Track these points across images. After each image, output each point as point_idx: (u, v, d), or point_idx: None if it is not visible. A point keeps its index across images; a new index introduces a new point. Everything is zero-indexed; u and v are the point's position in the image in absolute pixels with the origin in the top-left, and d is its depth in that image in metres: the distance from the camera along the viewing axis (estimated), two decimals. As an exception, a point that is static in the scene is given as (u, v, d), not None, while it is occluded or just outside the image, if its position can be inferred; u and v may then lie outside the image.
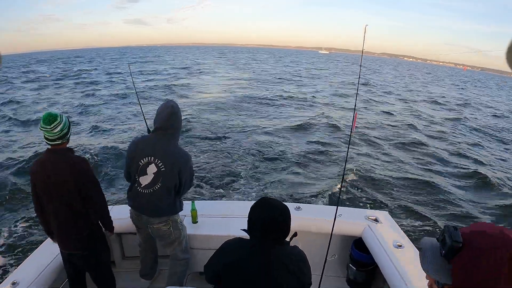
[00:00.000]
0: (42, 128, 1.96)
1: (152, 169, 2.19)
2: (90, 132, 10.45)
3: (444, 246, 0.72)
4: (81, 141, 9.25)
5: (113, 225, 2.37)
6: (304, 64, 56.17)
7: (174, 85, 21.07)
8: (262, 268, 1.41)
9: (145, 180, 2.22)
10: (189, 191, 2.71)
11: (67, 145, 2.12)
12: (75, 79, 25.82)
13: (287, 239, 1.54)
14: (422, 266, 0.79)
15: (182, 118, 2.38)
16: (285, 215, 1.47)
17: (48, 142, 2.01)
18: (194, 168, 2.50)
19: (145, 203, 2.26)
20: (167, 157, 2.19)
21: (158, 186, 2.21)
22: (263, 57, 78.40)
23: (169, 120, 2.21)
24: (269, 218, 1.42)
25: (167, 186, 2.22)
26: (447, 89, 31.81)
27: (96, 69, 34.86)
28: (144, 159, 2.20)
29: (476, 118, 15.95)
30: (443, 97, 23.72)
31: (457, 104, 20.49)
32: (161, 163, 2.18)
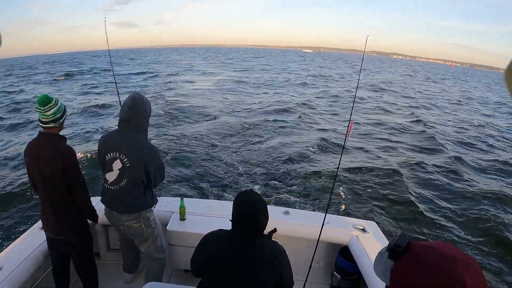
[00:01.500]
0: (36, 109, 2.01)
1: (117, 164, 2.12)
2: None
3: (388, 247, 0.78)
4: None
5: (99, 216, 2.39)
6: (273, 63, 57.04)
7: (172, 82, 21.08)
8: (241, 260, 1.45)
9: (111, 176, 2.15)
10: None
11: (61, 133, 2.14)
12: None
13: (266, 233, 1.58)
14: (374, 270, 0.84)
15: (152, 109, 2.31)
16: (263, 207, 1.52)
17: (41, 125, 2.05)
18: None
19: (112, 199, 2.20)
20: (131, 152, 2.11)
21: (124, 182, 2.13)
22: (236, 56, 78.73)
23: (131, 111, 2.13)
24: (247, 209, 1.49)
25: (134, 182, 2.14)
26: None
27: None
28: (109, 154, 2.14)
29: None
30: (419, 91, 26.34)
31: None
32: (125, 158, 2.11)
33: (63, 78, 27.53)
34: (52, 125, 2.04)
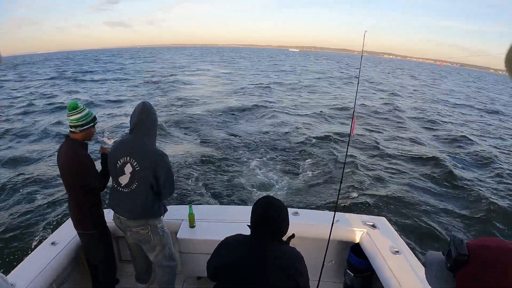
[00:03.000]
0: (67, 114, 2.25)
1: (128, 168, 2.22)
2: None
3: (450, 258, 0.72)
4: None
5: (109, 228, 2.57)
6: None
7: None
8: (257, 265, 1.43)
9: (124, 180, 2.24)
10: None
11: (86, 140, 2.35)
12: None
13: (284, 239, 1.57)
14: (427, 280, 0.79)
15: (158, 117, 2.46)
16: (281, 213, 1.52)
17: (70, 129, 2.28)
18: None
19: (123, 202, 2.29)
20: (141, 156, 2.21)
21: (136, 185, 2.22)
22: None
23: (139, 118, 2.23)
24: (263, 214, 1.48)
25: (144, 186, 2.23)
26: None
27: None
28: (121, 159, 2.23)
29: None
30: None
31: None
32: (135, 163, 2.20)
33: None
34: (73, 130, 2.25)
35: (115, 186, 2.31)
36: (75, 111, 2.20)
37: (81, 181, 2.27)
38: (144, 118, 2.25)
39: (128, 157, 2.22)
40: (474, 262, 0.68)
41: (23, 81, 27.07)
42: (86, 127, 2.27)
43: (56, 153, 2.36)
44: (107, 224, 2.57)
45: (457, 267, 0.70)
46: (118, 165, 2.24)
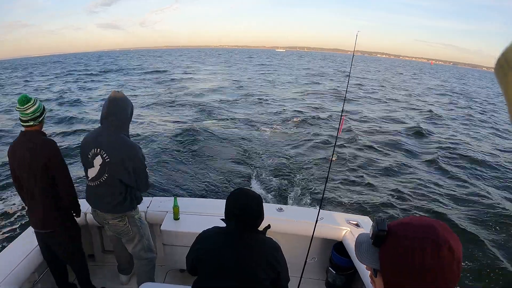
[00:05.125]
0: (17, 109, 2.14)
1: (98, 160, 2.14)
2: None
3: (372, 235, 0.80)
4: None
5: (89, 216, 2.46)
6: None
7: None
8: (236, 256, 1.45)
9: (92, 172, 2.17)
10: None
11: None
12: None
13: (261, 229, 1.58)
14: (357, 257, 0.85)
15: (134, 109, 2.32)
16: (259, 203, 1.53)
17: (22, 124, 2.15)
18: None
19: (94, 196, 2.23)
20: (111, 148, 2.13)
21: (105, 177, 2.15)
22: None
23: (109, 108, 2.16)
24: (243, 205, 1.49)
25: (115, 178, 2.15)
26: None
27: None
28: (92, 151, 2.16)
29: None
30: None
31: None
32: (105, 154, 2.13)
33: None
34: (32, 123, 2.14)
35: (85, 178, 2.25)
36: (30, 103, 2.11)
37: (52, 170, 2.15)
38: (115, 108, 2.16)
39: (98, 149, 2.14)
40: (392, 237, 0.75)
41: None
42: (42, 117, 2.19)
43: (8, 150, 2.20)
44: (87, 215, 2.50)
45: (379, 242, 0.78)
46: (88, 157, 2.17)
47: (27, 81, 27.35)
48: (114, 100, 2.17)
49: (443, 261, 0.68)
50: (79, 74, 30.88)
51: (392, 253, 0.75)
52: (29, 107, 2.11)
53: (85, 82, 24.77)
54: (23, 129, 2.17)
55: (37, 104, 2.15)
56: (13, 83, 26.31)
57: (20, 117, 2.13)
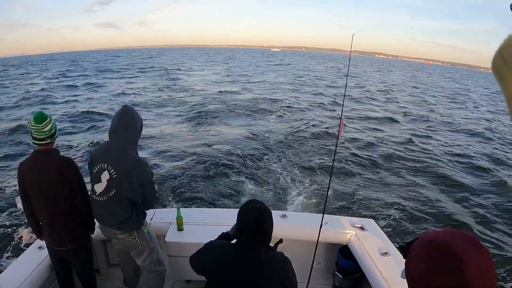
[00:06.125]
0: (33, 127, 2.04)
1: (105, 176, 2.11)
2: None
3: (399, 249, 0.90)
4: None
5: (96, 230, 2.42)
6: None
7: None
8: (248, 270, 1.44)
9: (99, 188, 2.13)
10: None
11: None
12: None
13: (272, 244, 1.58)
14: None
15: (143, 123, 2.33)
16: (270, 217, 1.53)
17: (36, 142, 2.09)
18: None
19: (102, 212, 2.19)
20: (118, 163, 2.10)
21: (112, 193, 2.10)
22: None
23: (119, 122, 2.15)
24: (256, 218, 1.49)
25: (121, 194, 2.11)
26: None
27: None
28: (98, 165, 2.14)
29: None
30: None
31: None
32: (112, 170, 2.09)
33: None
34: (48, 141, 2.10)
35: (91, 193, 2.21)
36: (47, 121, 2.07)
37: (73, 188, 2.15)
38: (124, 122, 2.15)
39: (105, 164, 2.11)
40: (410, 250, 0.83)
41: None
42: (56, 135, 2.17)
43: (21, 169, 2.12)
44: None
45: (403, 255, 0.86)
46: (94, 171, 2.15)
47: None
48: (124, 115, 2.16)
49: None
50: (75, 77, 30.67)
51: (408, 263, 0.82)
52: (46, 124, 2.06)
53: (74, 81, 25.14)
54: (36, 147, 2.11)
55: (52, 122, 2.12)
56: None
57: (35, 136, 2.06)
